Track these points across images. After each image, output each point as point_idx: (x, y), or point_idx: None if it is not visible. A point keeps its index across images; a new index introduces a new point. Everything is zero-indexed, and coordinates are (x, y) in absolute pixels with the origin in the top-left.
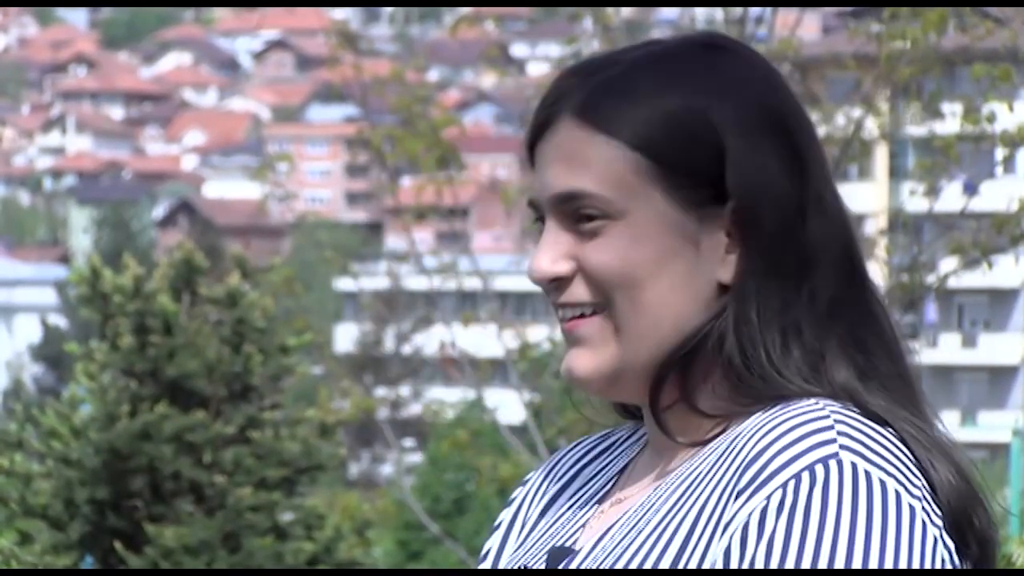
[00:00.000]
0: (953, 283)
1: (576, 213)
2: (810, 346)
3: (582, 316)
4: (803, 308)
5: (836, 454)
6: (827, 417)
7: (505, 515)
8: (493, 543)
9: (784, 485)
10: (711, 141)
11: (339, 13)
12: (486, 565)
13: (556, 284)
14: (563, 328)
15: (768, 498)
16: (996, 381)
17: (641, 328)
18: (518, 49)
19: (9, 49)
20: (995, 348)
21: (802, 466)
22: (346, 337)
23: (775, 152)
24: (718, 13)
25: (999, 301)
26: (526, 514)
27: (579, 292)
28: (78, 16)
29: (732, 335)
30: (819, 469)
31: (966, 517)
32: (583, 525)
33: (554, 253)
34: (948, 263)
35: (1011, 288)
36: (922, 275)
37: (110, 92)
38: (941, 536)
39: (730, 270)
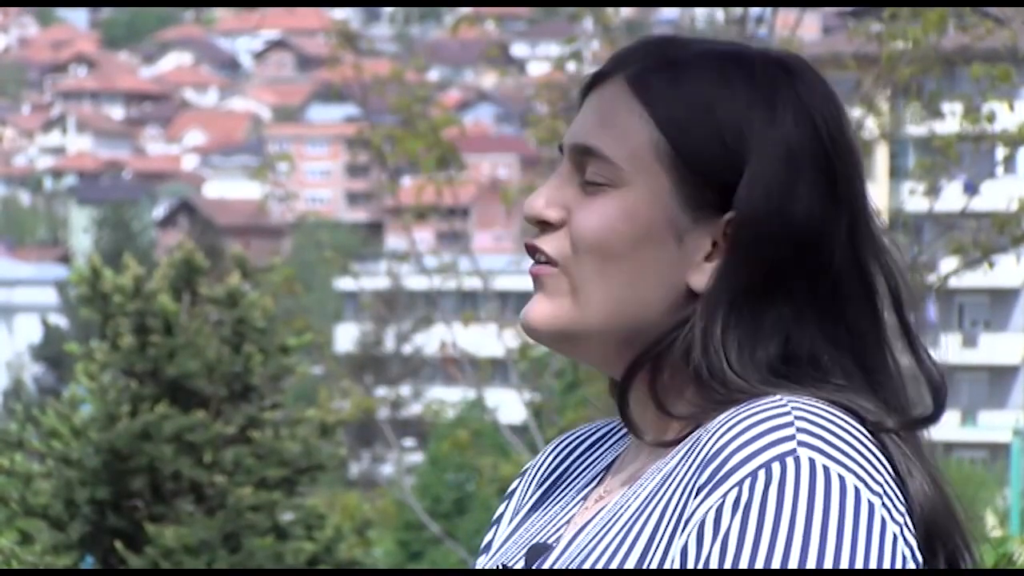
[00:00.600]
0: (954, 283)
1: (586, 169)
2: (787, 356)
3: (547, 263)
4: (790, 323)
5: (794, 451)
6: (788, 413)
7: (503, 508)
8: (492, 537)
9: (740, 483)
10: (736, 152)
11: (339, 13)
12: (484, 558)
13: (541, 226)
14: (530, 271)
15: (724, 496)
16: (996, 381)
17: (597, 296)
18: (518, 49)
19: (9, 49)
20: (995, 348)
21: (759, 464)
22: (346, 337)
23: (808, 186)
24: (719, 13)
25: (1000, 301)
26: (519, 505)
27: (553, 243)
28: (78, 16)
29: (699, 343)
30: (775, 467)
31: (936, 527)
32: (568, 521)
33: (552, 198)
34: (948, 263)
35: (1012, 288)
36: (922, 275)
37: (110, 92)
38: (902, 533)
39: (704, 277)
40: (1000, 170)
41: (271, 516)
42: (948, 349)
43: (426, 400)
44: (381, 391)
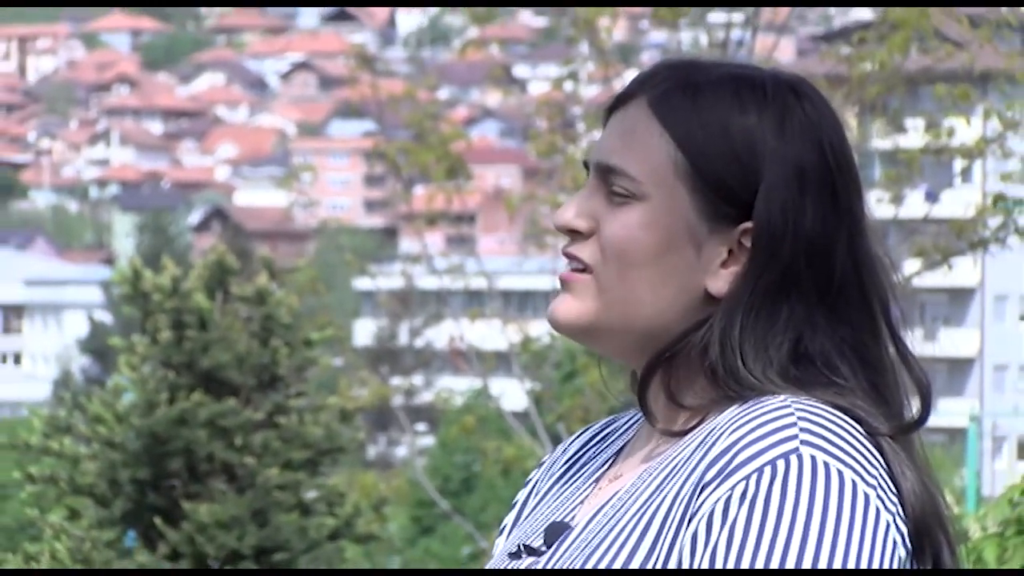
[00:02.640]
0: (916, 283)
1: (611, 184)
2: (786, 362)
3: (579, 271)
4: (790, 329)
5: (797, 449)
6: (792, 414)
7: (521, 495)
8: (509, 520)
9: (747, 477)
10: (751, 168)
11: (357, 37)
12: (502, 539)
13: (571, 235)
14: (560, 275)
15: (732, 488)
16: (954, 372)
17: (620, 297)
18: (520, 70)
19: (59, 70)
20: (953, 342)
21: (765, 460)
22: (364, 332)
23: (815, 200)
24: (703, 37)
25: (957, 299)
26: (536, 491)
27: (586, 251)
28: (121, 40)
29: (717, 341)
30: (780, 463)
31: (925, 526)
32: (582, 501)
33: (580, 209)
34: (911, 265)
35: (969, 287)
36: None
37: (150, 109)
38: (894, 522)
39: (722, 282)
40: (958, 180)
41: (296, 494)
42: (911, 343)
43: (436, 389)
44: (396, 381)
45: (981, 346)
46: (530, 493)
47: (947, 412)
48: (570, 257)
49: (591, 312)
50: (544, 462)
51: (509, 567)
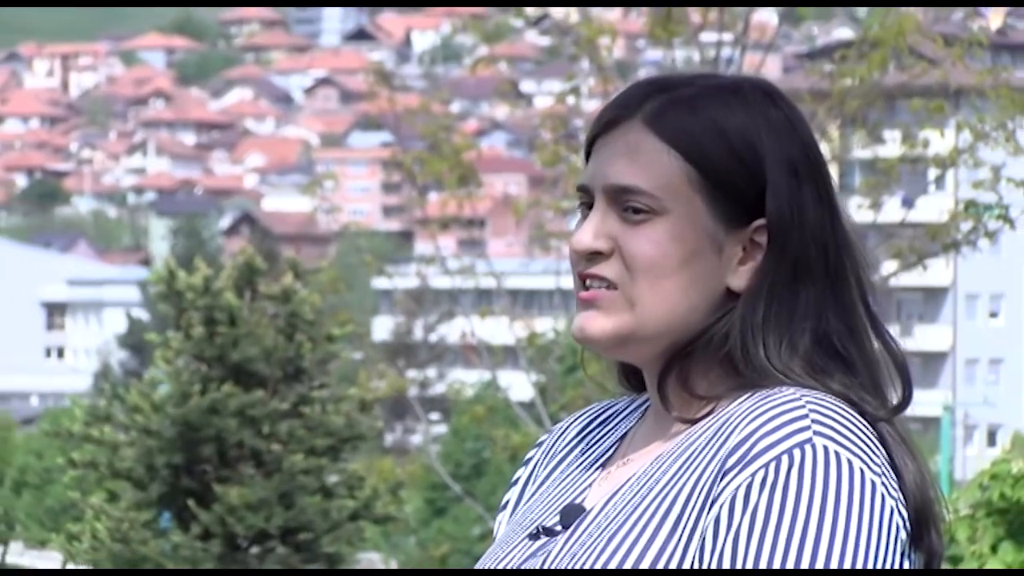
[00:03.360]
0: (893, 283)
1: (625, 203)
2: (810, 348)
3: (607, 287)
4: (808, 316)
5: (811, 439)
6: (803, 406)
7: (522, 472)
8: (511, 495)
9: (766, 465)
10: (755, 169)
11: (376, 55)
12: (505, 514)
13: (590, 257)
14: (580, 295)
15: (752, 475)
16: (928, 365)
17: (654, 308)
18: (526, 85)
19: (99, 86)
20: (928, 337)
21: (782, 449)
22: (382, 328)
23: (811, 190)
24: (695, 55)
25: (931, 298)
26: (537, 472)
27: (609, 269)
28: (157, 57)
29: (738, 334)
30: (796, 452)
31: (923, 515)
32: (590, 485)
33: (598, 231)
34: (889, 265)
35: (942, 287)
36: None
37: (184, 122)
38: (896, 507)
39: (742, 278)
40: (932, 188)
41: (319, 478)
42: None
43: (449, 381)
44: (411, 373)
45: (953, 341)
46: (531, 472)
47: (922, 403)
48: (593, 277)
49: (625, 324)
50: (543, 442)
51: (527, 547)
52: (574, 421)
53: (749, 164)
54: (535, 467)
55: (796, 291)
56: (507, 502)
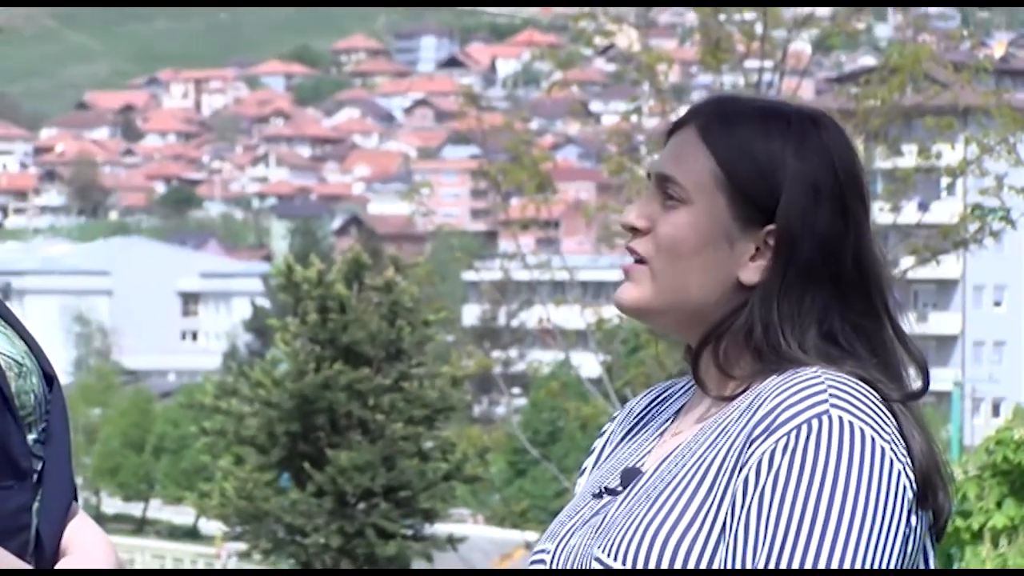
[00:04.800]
0: (910, 276)
1: (665, 189)
2: (820, 341)
3: (637, 262)
4: (815, 313)
5: (827, 411)
6: (822, 383)
7: (597, 443)
8: (588, 463)
9: (788, 433)
10: (773, 183)
11: (465, 80)
12: (583, 479)
13: (633, 232)
14: (623, 267)
15: (776, 442)
16: (941, 347)
17: (670, 283)
18: (595, 106)
19: (227, 106)
20: (940, 323)
21: (802, 419)
22: (470, 314)
23: (830, 208)
24: (740, 80)
25: (943, 289)
26: (611, 440)
27: (643, 245)
28: (277, 82)
29: (760, 327)
30: (814, 422)
31: (930, 481)
32: (648, 452)
33: (640, 211)
34: (906, 261)
35: (953, 279)
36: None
37: (300, 137)
38: (904, 470)
39: (752, 273)
40: (944, 193)
41: (417, 444)
42: (908, 324)
43: (528, 360)
44: (495, 353)
45: (963, 326)
46: (606, 442)
47: (935, 379)
48: (630, 251)
49: (647, 296)
50: (616, 416)
51: (593, 505)
52: (642, 398)
53: (768, 178)
54: (609, 437)
55: (803, 291)
56: (584, 468)
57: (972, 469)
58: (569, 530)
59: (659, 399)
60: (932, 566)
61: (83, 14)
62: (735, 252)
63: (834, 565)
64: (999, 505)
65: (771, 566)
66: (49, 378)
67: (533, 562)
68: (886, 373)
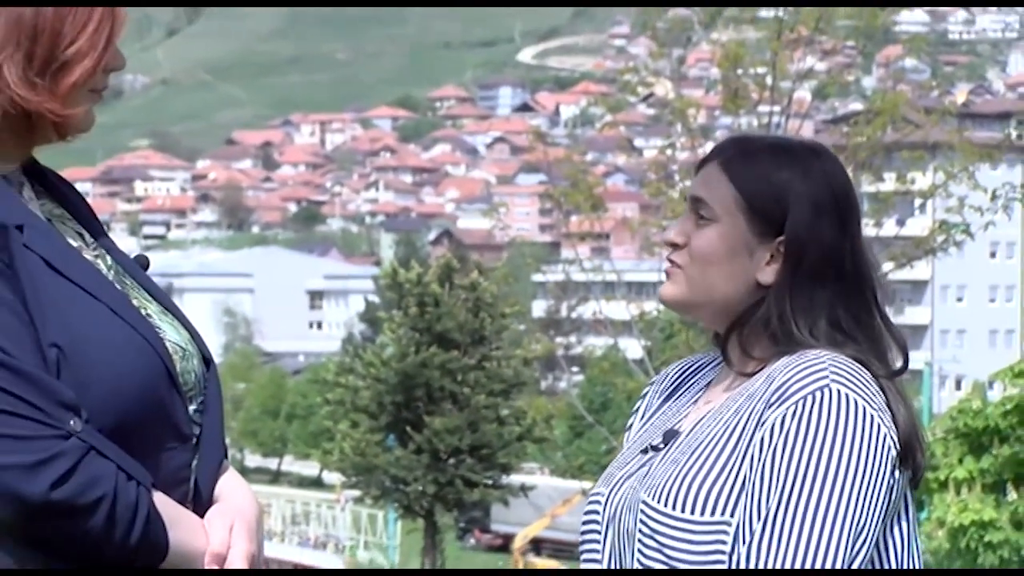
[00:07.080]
0: (890, 277)
1: (698, 210)
2: (827, 329)
3: (676, 268)
4: (823, 307)
5: (828, 385)
6: (824, 363)
7: (640, 404)
8: (632, 421)
9: (796, 403)
10: (783, 204)
11: (535, 121)
12: (630, 434)
13: (673, 246)
14: (665, 270)
15: (786, 410)
16: (914, 334)
17: (702, 285)
18: (638, 141)
19: (345, 143)
20: (914, 315)
21: (807, 392)
22: (538, 308)
23: (829, 221)
24: (754, 121)
25: (917, 288)
26: (650, 403)
27: (680, 257)
28: (385, 123)
29: (776, 318)
30: (817, 393)
31: (910, 444)
32: (686, 415)
33: (679, 230)
34: (887, 266)
35: (924, 280)
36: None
37: (404, 167)
38: (889, 434)
39: (768, 275)
40: (917, 212)
41: (496, 411)
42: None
43: (584, 345)
44: (558, 339)
45: (932, 318)
46: (646, 404)
47: (910, 360)
48: (670, 261)
49: (683, 294)
50: (654, 382)
51: (639, 460)
52: (675, 369)
53: (779, 199)
54: (649, 399)
55: (813, 289)
56: (630, 424)
57: (939, 432)
58: (620, 479)
59: (691, 370)
60: (911, 511)
61: (232, 69)
62: (754, 259)
63: (832, 509)
64: (960, 461)
65: (780, 510)
66: (206, 360)
67: (590, 502)
68: (876, 355)
